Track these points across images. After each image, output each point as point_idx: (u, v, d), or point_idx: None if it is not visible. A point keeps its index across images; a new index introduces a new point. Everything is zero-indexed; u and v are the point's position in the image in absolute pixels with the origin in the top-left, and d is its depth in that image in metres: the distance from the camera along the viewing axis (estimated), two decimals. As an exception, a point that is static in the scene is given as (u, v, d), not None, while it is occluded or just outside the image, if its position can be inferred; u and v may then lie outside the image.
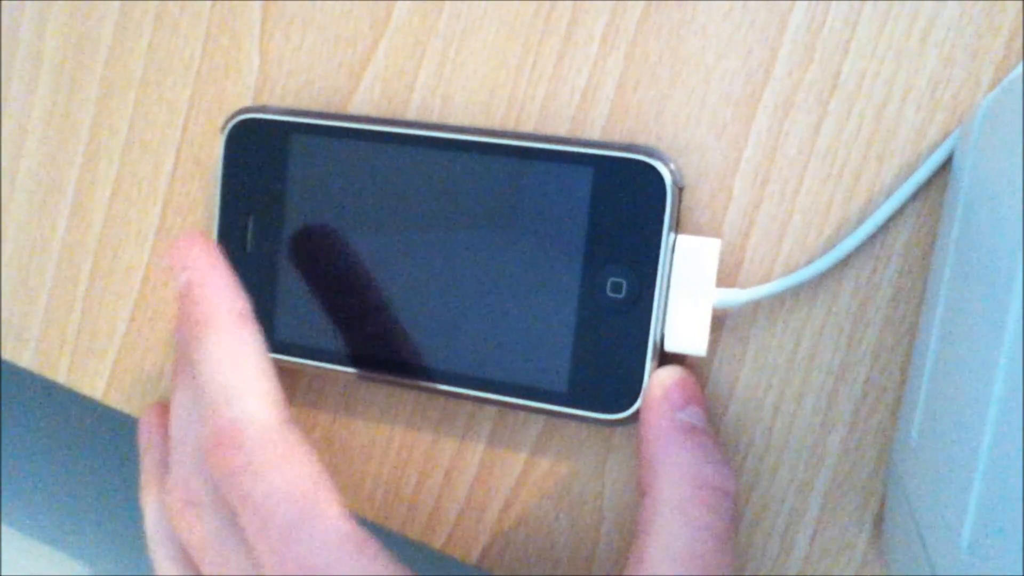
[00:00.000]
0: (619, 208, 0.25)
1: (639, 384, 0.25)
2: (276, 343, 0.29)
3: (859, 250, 0.26)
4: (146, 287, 0.33)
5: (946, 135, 0.25)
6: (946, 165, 0.25)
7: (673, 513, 0.23)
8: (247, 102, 0.31)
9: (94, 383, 0.34)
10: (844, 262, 0.26)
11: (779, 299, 0.26)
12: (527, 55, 0.28)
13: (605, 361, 0.26)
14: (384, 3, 0.30)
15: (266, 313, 0.29)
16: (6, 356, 0.35)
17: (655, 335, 0.25)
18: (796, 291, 0.26)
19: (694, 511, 0.23)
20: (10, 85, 0.34)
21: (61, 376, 0.34)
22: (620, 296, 0.25)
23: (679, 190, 0.26)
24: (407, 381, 0.28)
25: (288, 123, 0.28)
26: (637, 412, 0.26)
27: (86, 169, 0.33)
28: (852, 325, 0.26)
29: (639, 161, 0.25)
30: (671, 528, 0.23)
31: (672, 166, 0.25)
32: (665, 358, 0.27)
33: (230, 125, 0.29)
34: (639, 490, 0.25)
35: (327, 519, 0.23)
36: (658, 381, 0.25)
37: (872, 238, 0.26)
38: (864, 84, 0.25)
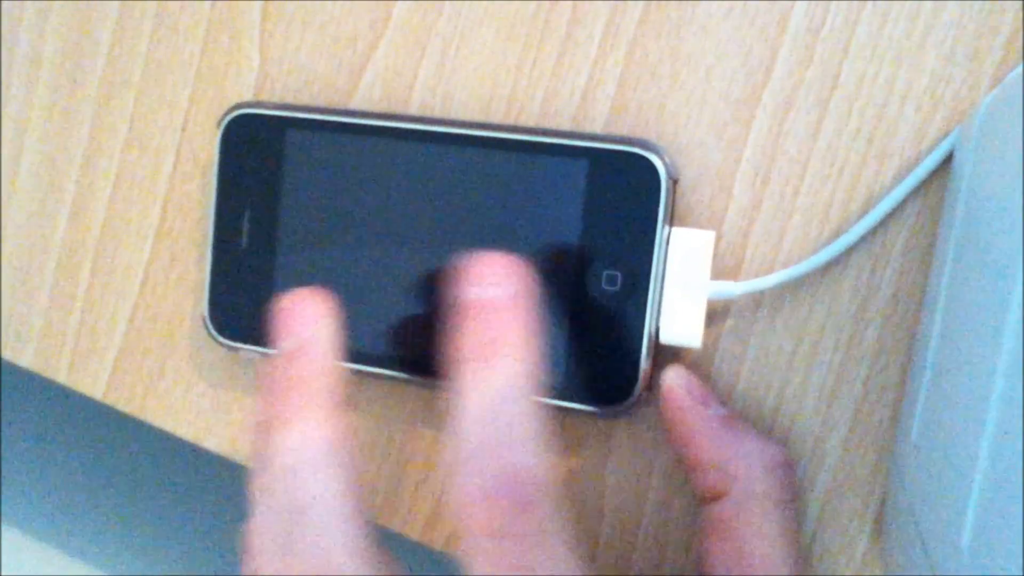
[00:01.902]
0: (613, 200, 0.25)
1: (635, 377, 0.25)
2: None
3: (859, 250, 0.26)
4: (146, 287, 0.33)
5: (946, 135, 0.25)
6: (946, 165, 0.25)
7: (762, 502, 0.24)
8: (247, 102, 0.31)
9: (94, 383, 0.34)
10: (844, 262, 0.26)
11: (779, 299, 0.26)
12: (527, 55, 0.28)
13: (601, 354, 0.26)
14: (384, 3, 0.30)
15: (262, 308, 0.29)
16: (6, 356, 0.35)
17: (650, 327, 0.25)
18: (796, 291, 0.26)
19: (777, 494, 0.24)
20: (10, 85, 0.34)
21: (61, 376, 0.34)
22: (615, 289, 0.25)
23: (673, 183, 0.26)
24: (402, 376, 0.28)
25: (284, 118, 0.28)
26: (633, 404, 0.26)
27: (86, 169, 0.33)
28: (852, 325, 0.26)
29: (633, 153, 0.25)
30: (765, 515, 0.24)
31: (666, 158, 0.25)
32: (660, 350, 0.27)
33: (226, 120, 0.29)
34: (708, 494, 0.25)
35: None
36: (674, 383, 0.25)
37: (872, 238, 0.25)
38: (864, 84, 0.25)
